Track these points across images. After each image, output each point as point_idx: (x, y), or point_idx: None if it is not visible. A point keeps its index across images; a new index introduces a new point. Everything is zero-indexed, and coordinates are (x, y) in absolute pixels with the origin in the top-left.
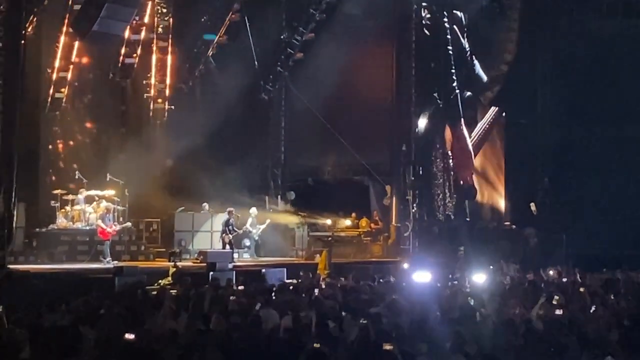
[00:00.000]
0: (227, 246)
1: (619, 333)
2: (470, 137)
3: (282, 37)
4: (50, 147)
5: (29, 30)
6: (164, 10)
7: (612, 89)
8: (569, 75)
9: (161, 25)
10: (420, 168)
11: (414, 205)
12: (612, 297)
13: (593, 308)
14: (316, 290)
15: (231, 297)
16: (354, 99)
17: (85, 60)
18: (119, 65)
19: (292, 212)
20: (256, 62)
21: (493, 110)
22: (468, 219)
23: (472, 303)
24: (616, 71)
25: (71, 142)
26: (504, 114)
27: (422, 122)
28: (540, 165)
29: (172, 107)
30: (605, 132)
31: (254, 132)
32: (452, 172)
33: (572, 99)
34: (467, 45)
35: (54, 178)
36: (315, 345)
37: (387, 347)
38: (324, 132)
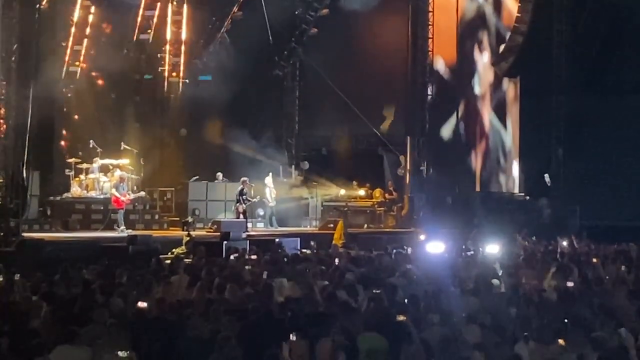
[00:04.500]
0: (241, 216)
1: (637, 305)
2: (484, 106)
3: (296, 12)
4: (65, 116)
5: (44, 3)
6: None
7: (628, 58)
8: (584, 45)
9: (175, 0)
10: (434, 138)
11: (428, 175)
12: (625, 269)
13: (606, 279)
14: (337, 260)
15: (245, 267)
16: (369, 71)
17: (99, 35)
18: (134, 40)
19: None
20: (270, 38)
21: (508, 80)
22: (481, 190)
23: (485, 274)
24: (632, 40)
25: (86, 112)
26: (519, 84)
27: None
28: (555, 136)
29: (187, 80)
30: (621, 102)
31: (267, 103)
32: (464, 142)
33: (587, 69)
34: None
35: (68, 147)
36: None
37: (401, 318)
38: (339, 103)
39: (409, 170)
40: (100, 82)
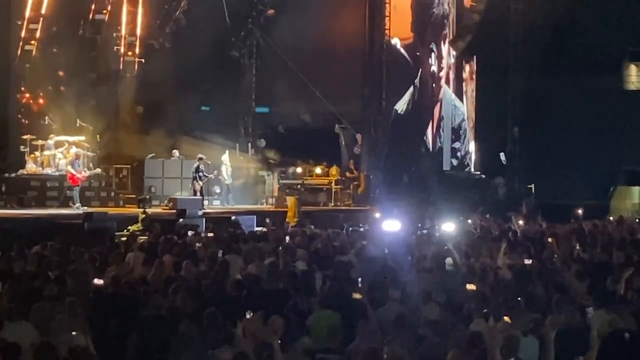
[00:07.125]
0: (198, 193)
1: (588, 283)
2: (441, 85)
3: None
4: (20, 93)
5: None
6: None
7: (584, 39)
8: (541, 24)
9: None
10: (391, 116)
11: (384, 153)
12: (580, 247)
13: (561, 258)
14: (287, 238)
15: (200, 244)
16: (326, 50)
17: (55, 14)
18: (89, 20)
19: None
20: (227, 19)
21: (464, 59)
22: (438, 168)
23: (441, 252)
24: (588, 21)
25: (41, 89)
26: (475, 63)
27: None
28: (511, 115)
29: (143, 60)
30: (576, 82)
31: (224, 82)
32: (421, 121)
33: (543, 48)
34: None
35: (23, 123)
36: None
37: (357, 296)
38: (296, 82)
39: (365, 149)
40: (55, 60)
